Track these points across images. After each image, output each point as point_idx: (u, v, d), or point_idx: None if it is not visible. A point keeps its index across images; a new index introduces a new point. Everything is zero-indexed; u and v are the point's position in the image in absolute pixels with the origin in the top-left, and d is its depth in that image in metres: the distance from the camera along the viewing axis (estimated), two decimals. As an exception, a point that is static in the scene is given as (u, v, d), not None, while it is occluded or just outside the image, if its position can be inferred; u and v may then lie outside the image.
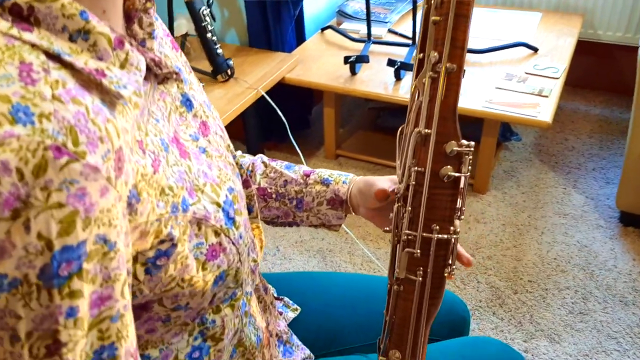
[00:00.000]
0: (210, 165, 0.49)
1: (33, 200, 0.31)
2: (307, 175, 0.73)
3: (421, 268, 0.54)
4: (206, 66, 1.63)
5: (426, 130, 0.53)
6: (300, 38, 1.99)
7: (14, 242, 0.31)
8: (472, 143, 0.53)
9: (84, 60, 0.36)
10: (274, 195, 0.73)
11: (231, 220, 0.47)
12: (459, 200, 0.54)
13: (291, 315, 0.76)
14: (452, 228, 0.54)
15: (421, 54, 0.54)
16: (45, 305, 0.32)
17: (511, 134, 2.01)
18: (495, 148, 1.77)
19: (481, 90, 1.66)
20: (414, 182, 0.54)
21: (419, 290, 0.54)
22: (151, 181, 0.40)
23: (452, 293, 0.84)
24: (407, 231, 0.54)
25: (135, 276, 0.40)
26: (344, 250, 1.67)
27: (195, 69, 1.65)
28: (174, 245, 0.41)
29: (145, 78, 0.44)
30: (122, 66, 0.39)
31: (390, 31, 2.01)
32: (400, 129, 0.59)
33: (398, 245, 0.56)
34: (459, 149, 0.53)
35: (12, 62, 0.32)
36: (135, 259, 0.40)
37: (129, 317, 0.37)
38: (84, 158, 0.32)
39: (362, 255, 1.65)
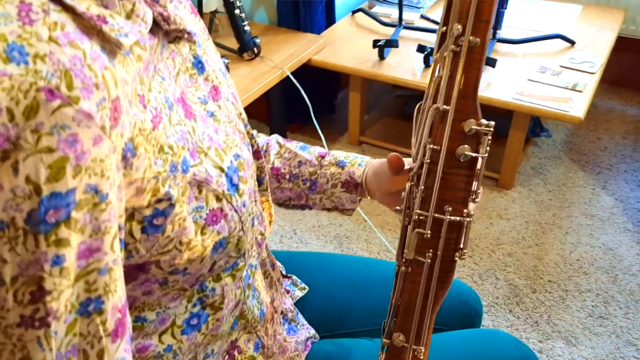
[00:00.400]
0: (217, 129, 0.47)
1: (23, 143, 0.30)
2: (322, 157, 0.71)
3: (431, 250, 0.52)
4: (233, 43, 1.62)
5: (444, 107, 0.51)
6: (330, 20, 1.96)
7: (1, 183, 0.30)
8: (492, 123, 0.51)
9: (86, 5, 0.34)
10: (287, 176, 0.71)
11: (235, 186, 0.46)
12: (474, 182, 0.52)
13: (299, 293, 0.75)
14: (465, 211, 0.52)
15: (444, 27, 0.51)
16: (31, 251, 0.32)
17: (541, 129, 1.95)
18: (524, 143, 1.72)
19: (512, 82, 1.61)
20: (428, 160, 0.52)
21: (427, 272, 0.52)
22: (149, 137, 0.38)
23: (465, 285, 0.81)
24: (418, 211, 0.52)
25: (131, 234, 0.39)
26: (362, 237, 1.65)
27: (221, 46, 1.65)
28: (172, 206, 0.40)
29: (153, 33, 0.42)
30: (128, 17, 0.37)
31: (422, 17, 1.97)
32: (417, 105, 0.56)
33: (409, 226, 0.53)
34: (477, 128, 0.50)
35: (11, 1, 0.32)
36: (131, 216, 0.39)
37: (118, 271, 0.36)
38: (77, 103, 0.32)
39: (379, 244, 1.63)
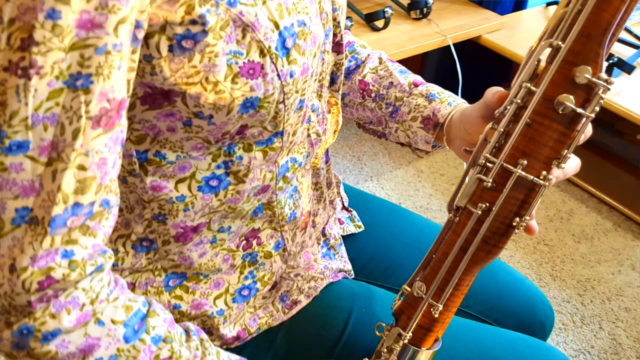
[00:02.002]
0: None
1: None
2: (416, 85, 0.65)
3: (487, 203, 0.44)
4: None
5: (559, 43, 0.42)
6: (520, 5, 1.81)
7: None
8: (613, 79, 0.41)
9: None
10: (373, 94, 0.66)
11: (286, 50, 0.42)
12: (567, 146, 0.43)
13: (352, 229, 0.70)
14: (544, 172, 0.43)
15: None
16: None
17: None
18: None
19: None
20: (519, 101, 0.44)
21: (474, 225, 0.45)
22: None
23: (540, 292, 0.71)
24: (487, 155, 0.45)
25: (158, 48, 0.38)
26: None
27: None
28: (204, 33, 0.38)
29: None
30: None
31: (625, 29, 1.73)
32: (531, 45, 0.47)
33: (472, 171, 0.46)
34: (592, 79, 0.41)
35: None
36: (163, 29, 0.38)
37: (117, 61, 0.35)
38: None
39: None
